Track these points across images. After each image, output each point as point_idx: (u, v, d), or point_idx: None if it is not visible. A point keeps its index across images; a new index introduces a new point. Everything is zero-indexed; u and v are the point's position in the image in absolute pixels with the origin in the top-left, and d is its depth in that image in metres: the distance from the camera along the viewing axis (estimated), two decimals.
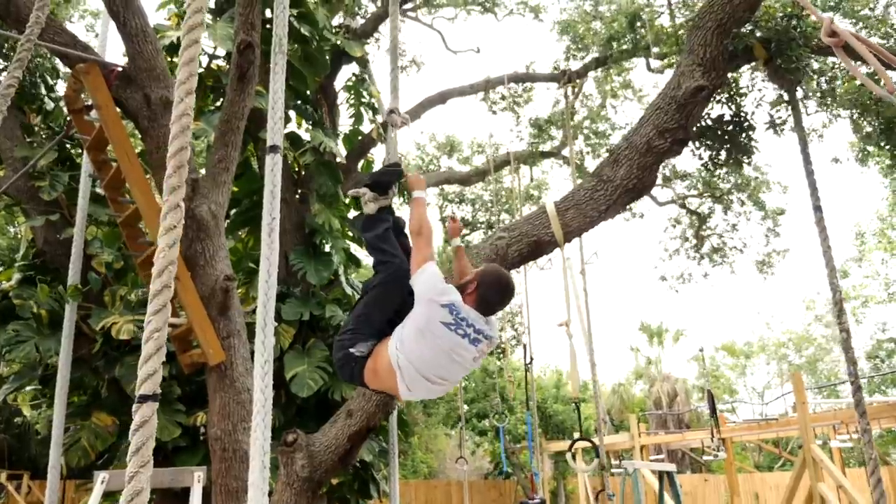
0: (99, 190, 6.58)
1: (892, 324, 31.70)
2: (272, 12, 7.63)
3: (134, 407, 1.88)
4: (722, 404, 25.38)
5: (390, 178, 3.45)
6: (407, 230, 3.43)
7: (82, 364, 6.43)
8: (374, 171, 3.65)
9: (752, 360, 32.68)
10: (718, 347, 32.82)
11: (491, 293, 2.98)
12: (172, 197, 2.01)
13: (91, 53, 5.83)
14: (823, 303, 30.22)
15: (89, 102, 5.99)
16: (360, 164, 10.18)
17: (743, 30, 5.22)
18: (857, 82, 5.93)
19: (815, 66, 5.91)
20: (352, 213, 9.79)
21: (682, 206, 12.69)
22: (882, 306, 22.58)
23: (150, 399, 1.85)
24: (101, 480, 4.49)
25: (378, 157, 10.50)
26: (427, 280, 2.91)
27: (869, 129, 6.61)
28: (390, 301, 3.11)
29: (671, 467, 8.23)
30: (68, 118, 6.61)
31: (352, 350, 3.06)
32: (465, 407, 18.78)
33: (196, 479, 4.81)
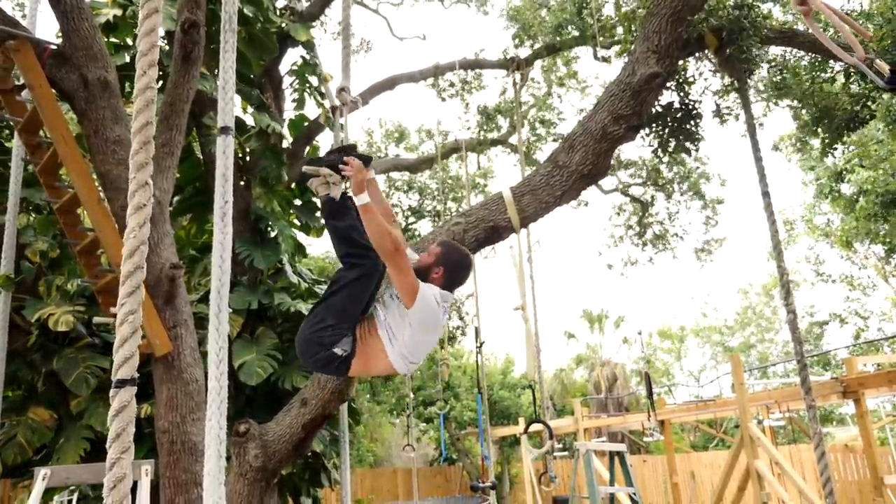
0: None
1: (819, 306, 33.21)
2: None
3: (112, 392, 1.83)
4: (659, 387, 26.12)
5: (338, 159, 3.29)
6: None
7: (16, 357, 6.14)
8: (329, 151, 3.42)
9: (688, 344, 33.72)
10: (655, 331, 33.74)
11: (456, 275, 3.09)
12: (140, 174, 1.93)
13: (21, 30, 5.53)
14: (757, 290, 31.41)
15: (20, 82, 5.69)
16: (307, 149, 10.00)
17: (696, 17, 5.30)
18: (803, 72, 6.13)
19: (765, 58, 6.06)
20: (297, 201, 9.63)
21: (626, 193, 12.94)
22: (812, 289, 23.54)
23: (128, 384, 1.80)
24: (42, 477, 4.32)
25: (324, 142, 10.36)
26: (431, 314, 2.93)
27: (807, 117, 6.83)
28: (366, 295, 3.09)
29: (622, 447, 8.40)
30: None
31: (335, 350, 2.99)
32: (412, 395, 18.80)
33: (143, 473, 4.68)
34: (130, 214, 1.99)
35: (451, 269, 3.04)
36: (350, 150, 3.32)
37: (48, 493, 4.59)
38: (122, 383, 1.90)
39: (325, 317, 3.04)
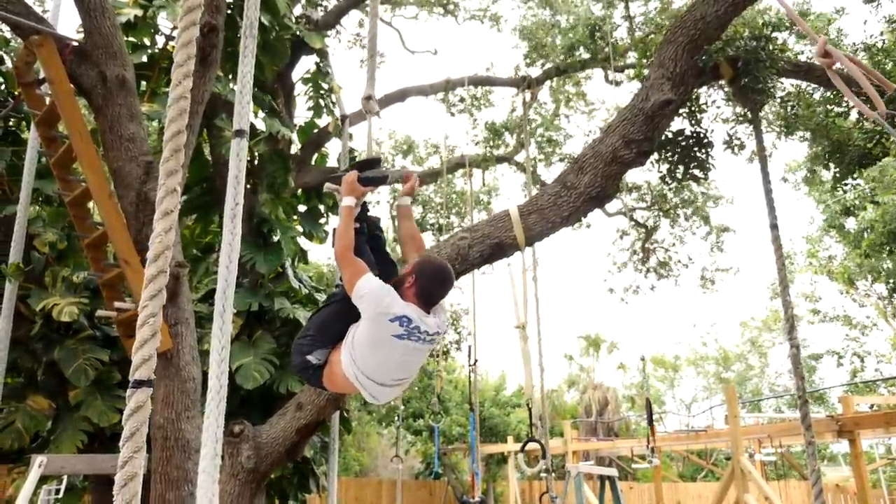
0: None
1: (811, 340, 33.18)
2: None
3: (128, 392, 1.86)
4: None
5: (375, 183, 3.35)
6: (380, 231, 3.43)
7: (18, 345, 6.18)
8: (355, 164, 3.44)
9: (682, 374, 33.71)
10: (650, 359, 33.70)
11: (431, 285, 2.94)
12: (169, 181, 1.99)
13: (45, 25, 5.63)
14: (757, 325, 31.43)
15: (41, 76, 5.78)
16: (315, 157, 10.08)
17: (712, 47, 5.34)
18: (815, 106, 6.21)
19: (779, 89, 6.11)
20: (301, 207, 9.69)
21: (630, 217, 13.00)
22: (810, 326, 23.46)
23: (144, 384, 1.84)
24: (38, 464, 4.36)
25: (333, 151, 10.43)
26: (370, 300, 2.85)
27: (818, 150, 6.86)
28: (352, 315, 3.04)
29: (613, 472, 8.40)
30: (16, 91, 6.37)
31: (309, 357, 3.09)
32: (402, 406, 18.83)
33: None
34: (158, 219, 2.04)
35: (423, 280, 2.92)
36: (375, 163, 3.36)
37: (40, 482, 4.61)
38: (139, 384, 1.94)
39: (309, 327, 3.19)
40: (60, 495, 7.63)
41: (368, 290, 2.86)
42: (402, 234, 3.41)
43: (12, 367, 6.33)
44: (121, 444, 1.88)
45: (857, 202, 15.29)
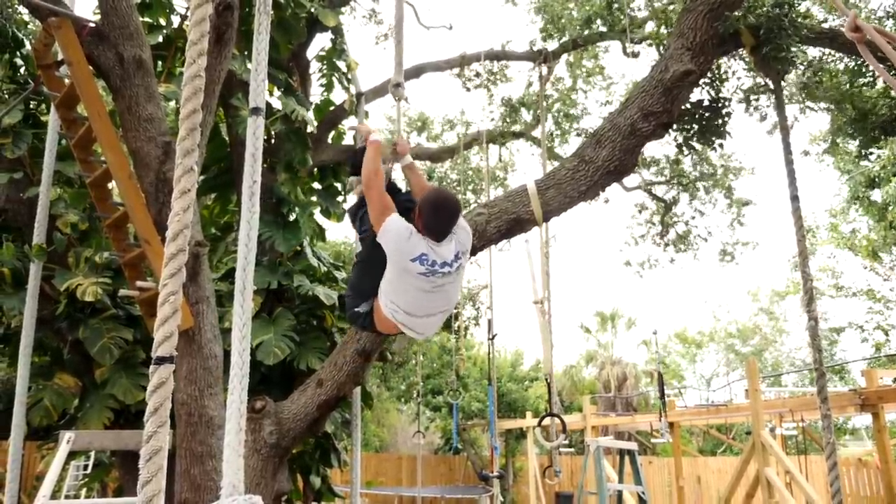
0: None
1: (831, 314, 32.74)
2: None
3: (151, 368, 1.89)
4: (670, 389, 26.05)
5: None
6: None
7: (43, 325, 6.29)
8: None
9: (702, 349, 33.53)
10: (671, 335, 33.58)
11: (433, 221, 3.08)
12: (185, 160, 2.00)
13: (63, 7, 5.65)
14: (767, 293, 31.17)
15: (60, 58, 5.81)
16: (331, 134, 10.08)
17: (733, 15, 5.21)
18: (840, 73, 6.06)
19: (804, 56, 5.96)
20: (317, 185, 9.71)
21: (649, 192, 12.88)
22: (831, 300, 23.16)
23: (166, 361, 1.87)
24: (66, 440, 4.46)
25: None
26: (392, 239, 3.06)
27: (841, 120, 6.72)
28: (375, 270, 3.30)
29: (633, 446, 8.42)
30: (36, 73, 6.41)
31: (357, 309, 3.48)
32: (421, 383, 18.97)
33: None
34: (176, 198, 2.05)
35: (425, 217, 3.08)
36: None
37: (69, 457, 4.72)
38: (161, 360, 1.97)
39: (349, 285, 3.66)
40: (89, 471, 7.79)
41: (393, 229, 3.07)
42: (413, 190, 3.67)
43: (39, 346, 6.45)
44: (145, 419, 1.91)
45: (881, 174, 14.97)
